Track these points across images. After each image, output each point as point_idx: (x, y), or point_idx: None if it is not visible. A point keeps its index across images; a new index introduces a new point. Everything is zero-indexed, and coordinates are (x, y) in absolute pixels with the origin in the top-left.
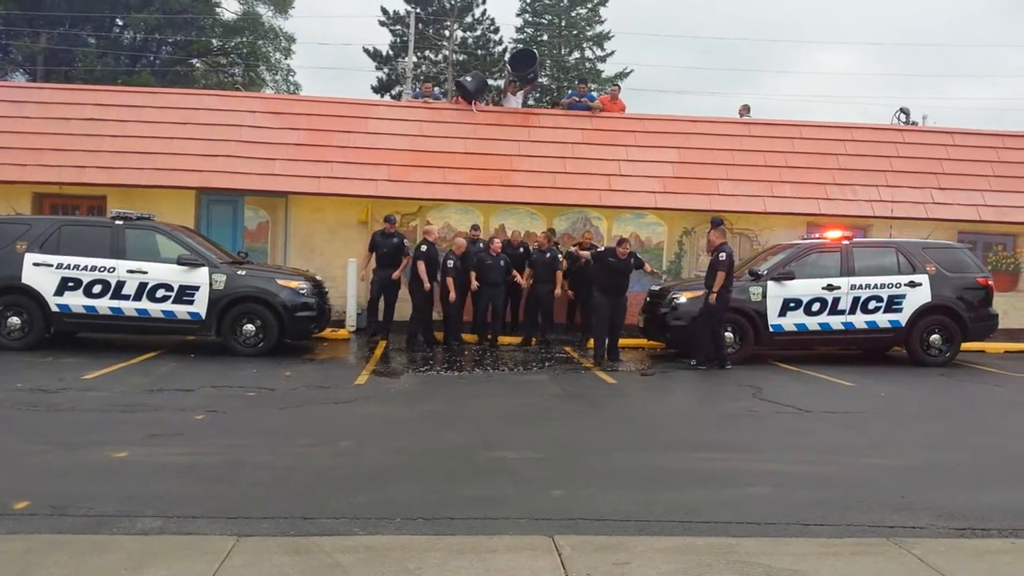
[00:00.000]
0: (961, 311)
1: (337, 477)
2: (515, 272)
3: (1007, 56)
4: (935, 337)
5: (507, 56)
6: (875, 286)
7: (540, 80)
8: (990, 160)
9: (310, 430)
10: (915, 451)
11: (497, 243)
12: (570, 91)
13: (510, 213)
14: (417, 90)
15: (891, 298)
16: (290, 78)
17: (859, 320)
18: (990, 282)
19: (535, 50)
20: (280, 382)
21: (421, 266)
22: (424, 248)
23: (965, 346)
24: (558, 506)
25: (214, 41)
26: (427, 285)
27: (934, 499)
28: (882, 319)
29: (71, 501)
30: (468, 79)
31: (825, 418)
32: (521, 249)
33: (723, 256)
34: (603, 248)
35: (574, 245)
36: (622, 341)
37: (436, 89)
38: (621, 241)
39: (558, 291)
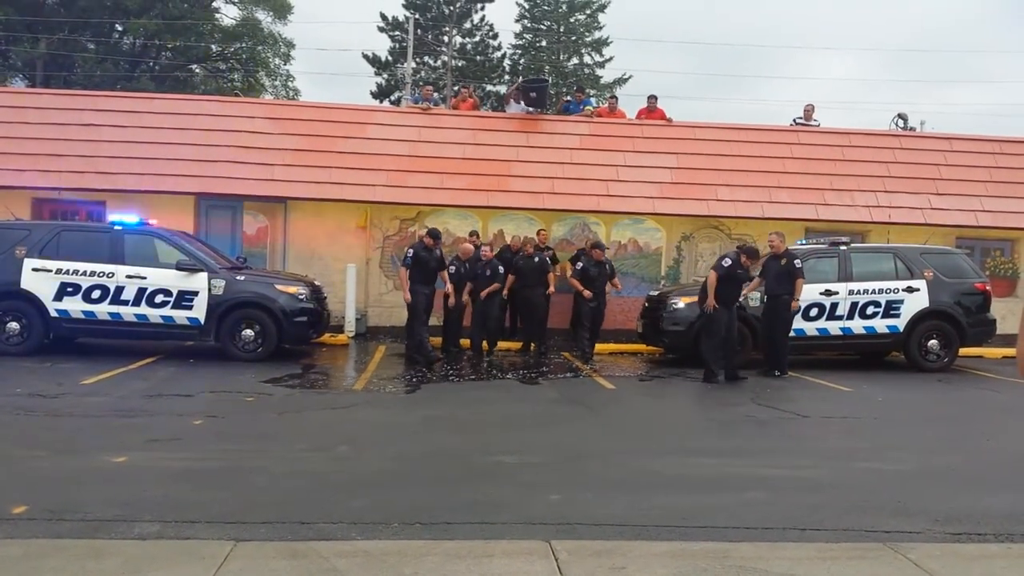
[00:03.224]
0: (959, 316)
1: (335, 482)
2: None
3: (1005, 61)
4: (933, 342)
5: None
6: (873, 291)
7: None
8: (988, 166)
9: (308, 435)
10: (912, 456)
11: (487, 250)
12: (568, 98)
13: (509, 219)
14: (417, 94)
15: (889, 303)
16: (289, 83)
17: (857, 325)
18: (988, 287)
19: (546, 78)
20: (278, 387)
21: (404, 273)
22: (412, 255)
23: (963, 351)
24: (555, 511)
25: (213, 47)
26: (407, 296)
27: (931, 504)
28: (880, 324)
29: (69, 506)
30: (533, 95)
31: (823, 423)
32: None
33: (799, 263)
34: (729, 262)
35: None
36: (620, 346)
37: (436, 94)
38: (749, 250)
39: (551, 289)
